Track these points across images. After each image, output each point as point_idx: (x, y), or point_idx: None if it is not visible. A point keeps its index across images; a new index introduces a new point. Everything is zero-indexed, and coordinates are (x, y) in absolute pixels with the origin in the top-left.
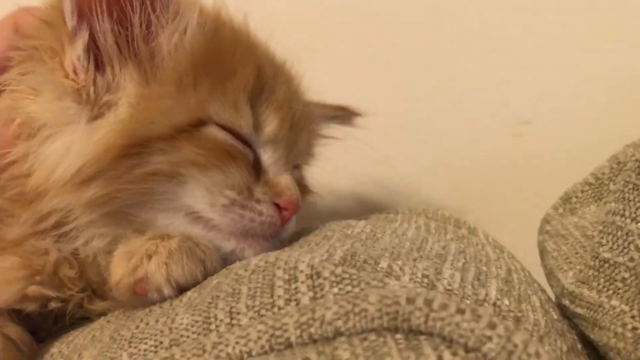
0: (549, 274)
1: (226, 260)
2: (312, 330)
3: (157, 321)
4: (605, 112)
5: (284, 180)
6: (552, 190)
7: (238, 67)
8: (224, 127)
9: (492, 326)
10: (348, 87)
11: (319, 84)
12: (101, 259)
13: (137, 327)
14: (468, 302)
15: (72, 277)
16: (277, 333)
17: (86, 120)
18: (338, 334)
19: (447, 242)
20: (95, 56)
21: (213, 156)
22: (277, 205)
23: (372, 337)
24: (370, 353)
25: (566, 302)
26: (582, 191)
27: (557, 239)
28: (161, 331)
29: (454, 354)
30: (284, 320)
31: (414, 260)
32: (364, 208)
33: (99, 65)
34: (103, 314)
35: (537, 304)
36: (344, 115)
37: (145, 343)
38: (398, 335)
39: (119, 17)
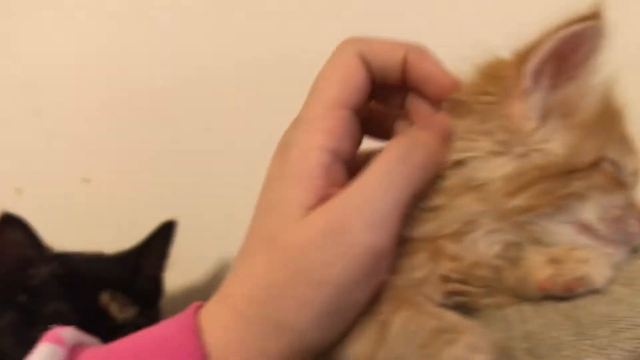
0: None
1: None
2: None
3: (614, 309)
4: None
5: (637, 202)
6: None
7: (616, 120)
8: (612, 163)
9: None
10: None
11: None
12: (493, 260)
13: (592, 314)
14: None
15: (481, 276)
16: None
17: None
18: None
19: None
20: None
21: (610, 183)
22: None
23: None
24: None
25: None
26: None
27: None
28: (628, 316)
29: None
30: None
31: None
32: None
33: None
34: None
35: None
36: None
37: (617, 323)
38: None
39: (560, 73)
